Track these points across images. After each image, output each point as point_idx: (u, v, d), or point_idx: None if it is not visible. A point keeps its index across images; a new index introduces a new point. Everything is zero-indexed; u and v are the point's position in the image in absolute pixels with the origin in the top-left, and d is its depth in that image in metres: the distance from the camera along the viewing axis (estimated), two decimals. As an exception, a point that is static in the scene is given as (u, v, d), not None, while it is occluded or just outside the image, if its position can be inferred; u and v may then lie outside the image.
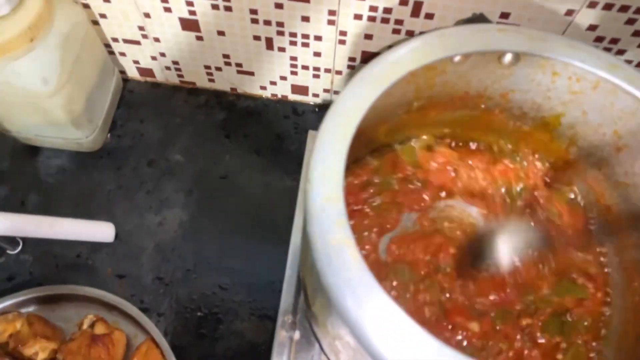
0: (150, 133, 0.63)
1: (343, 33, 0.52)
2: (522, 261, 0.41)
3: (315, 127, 0.61)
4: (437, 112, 0.43)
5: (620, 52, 0.49)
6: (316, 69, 0.58)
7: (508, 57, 0.37)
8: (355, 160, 0.45)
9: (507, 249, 0.40)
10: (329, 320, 0.32)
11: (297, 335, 0.46)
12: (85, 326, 0.50)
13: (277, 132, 0.63)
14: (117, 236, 0.56)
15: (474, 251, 0.41)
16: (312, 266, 0.28)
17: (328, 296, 0.27)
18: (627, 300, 0.41)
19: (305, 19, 0.51)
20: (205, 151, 0.62)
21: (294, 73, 0.59)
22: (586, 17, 0.46)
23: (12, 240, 0.55)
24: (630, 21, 0.45)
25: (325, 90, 0.62)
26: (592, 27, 0.47)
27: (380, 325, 0.26)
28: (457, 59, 0.37)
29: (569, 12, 0.45)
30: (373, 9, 0.48)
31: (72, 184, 0.59)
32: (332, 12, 0.50)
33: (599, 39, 0.48)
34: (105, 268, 0.55)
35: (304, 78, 0.60)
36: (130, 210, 0.58)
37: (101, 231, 0.56)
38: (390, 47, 0.53)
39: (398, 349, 0.25)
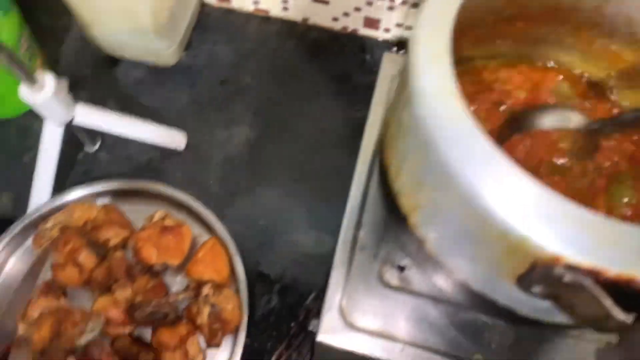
0: (223, 55, 0.64)
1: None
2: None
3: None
4: (525, 25, 0.42)
5: None
6: (392, 0, 0.59)
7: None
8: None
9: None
10: (422, 185, 0.31)
11: (361, 242, 0.46)
12: (155, 219, 0.53)
13: (344, 66, 0.64)
14: (187, 146, 0.59)
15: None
16: (410, 128, 0.29)
17: (432, 152, 0.27)
18: None
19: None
20: (274, 77, 0.63)
21: (369, 3, 0.60)
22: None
23: (92, 137, 0.58)
24: None
25: (398, 25, 0.62)
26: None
27: (493, 177, 0.25)
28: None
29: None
30: None
31: (148, 96, 0.62)
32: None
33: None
34: (175, 173, 0.57)
35: (378, 10, 0.61)
36: (200, 124, 0.60)
37: (173, 137, 0.58)
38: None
39: (513, 202, 0.25)
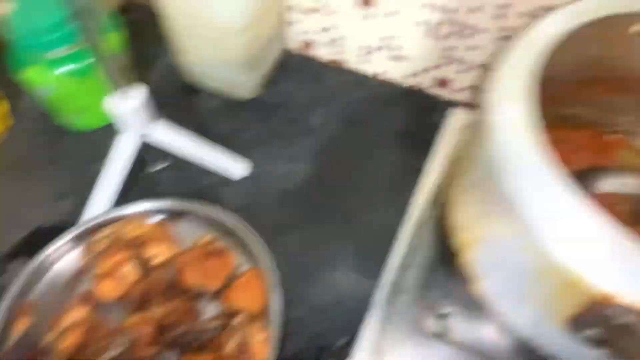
0: (297, 97, 0.65)
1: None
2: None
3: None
4: (601, 90, 0.40)
5: None
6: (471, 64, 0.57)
7: None
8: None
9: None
10: (484, 217, 0.29)
11: (403, 285, 0.42)
12: (202, 242, 0.51)
13: (410, 122, 0.62)
14: (248, 176, 0.58)
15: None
16: (482, 156, 0.26)
17: (501, 183, 0.25)
18: None
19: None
20: (341, 124, 0.63)
21: (448, 64, 0.59)
22: None
23: (159, 156, 0.59)
24: None
25: (467, 88, 0.60)
26: None
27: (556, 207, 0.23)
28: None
29: None
30: None
31: (220, 125, 0.63)
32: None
33: None
34: (232, 200, 0.57)
35: (448, 72, 0.59)
36: (263, 156, 0.60)
37: (236, 165, 0.58)
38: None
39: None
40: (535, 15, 0.48)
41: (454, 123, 0.50)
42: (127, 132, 0.53)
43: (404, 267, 0.39)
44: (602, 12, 0.32)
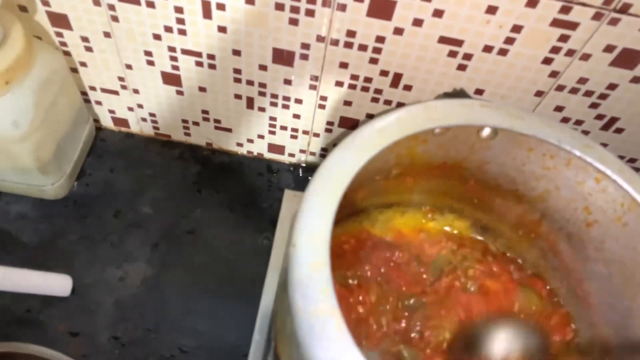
0: (120, 183, 0.59)
1: (323, 98, 0.52)
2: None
3: (289, 186, 0.60)
4: (414, 180, 0.43)
5: (585, 132, 0.51)
6: (294, 130, 0.57)
7: (487, 131, 0.38)
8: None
9: (504, 346, 0.38)
10: None
11: None
12: (27, 390, 0.44)
13: (250, 189, 0.61)
14: (73, 290, 0.52)
15: (468, 340, 0.39)
16: (293, 336, 0.25)
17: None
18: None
19: (288, 82, 0.51)
20: (175, 204, 0.59)
21: (272, 132, 0.58)
22: (554, 99, 0.47)
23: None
24: (594, 105, 0.47)
25: (302, 151, 0.61)
26: (558, 108, 0.48)
27: None
28: (438, 130, 0.37)
29: (539, 93, 0.47)
30: (354, 77, 0.49)
31: (31, 232, 0.55)
32: (314, 78, 0.50)
33: (565, 120, 0.49)
34: (57, 324, 0.50)
35: (281, 138, 0.59)
36: (90, 263, 0.54)
37: (57, 284, 0.51)
38: (370, 115, 0.53)
39: None
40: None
41: (288, 207, 0.50)
42: None
43: None
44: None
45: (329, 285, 0.25)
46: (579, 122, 0.49)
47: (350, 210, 0.45)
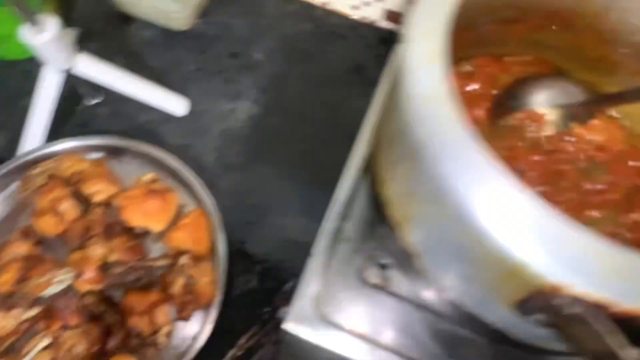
0: (237, 28, 0.60)
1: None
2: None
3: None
4: (525, 28, 0.38)
5: None
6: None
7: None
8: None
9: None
10: (412, 196, 0.28)
11: (345, 234, 0.41)
12: (143, 181, 0.49)
13: (360, 56, 0.59)
14: (187, 113, 0.55)
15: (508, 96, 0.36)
16: (402, 130, 0.25)
17: (421, 163, 0.23)
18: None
19: None
20: (286, 57, 0.59)
21: (391, -4, 0.56)
22: None
23: (94, 90, 0.53)
24: None
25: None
26: None
27: (488, 193, 0.21)
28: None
29: None
30: None
31: (156, 57, 0.57)
32: None
33: None
34: (171, 139, 0.53)
35: (399, 3, 0.56)
36: (204, 93, 0.56)
37: (175, 102, 0.54)
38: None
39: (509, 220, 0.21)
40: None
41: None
42: (48, 65, 0.47)
43: (345, 217, 0.38)
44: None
45: (443, 73, 0.23)
46: None
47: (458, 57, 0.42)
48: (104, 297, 0.43)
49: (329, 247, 0.37)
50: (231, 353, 0.43)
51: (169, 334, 0.43)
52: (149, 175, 0.49)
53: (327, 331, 0.34)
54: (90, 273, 0.43)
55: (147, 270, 0.44)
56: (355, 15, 0.61)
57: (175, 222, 0.47)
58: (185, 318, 0.42)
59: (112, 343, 0.41)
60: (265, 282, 0.47)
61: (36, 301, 0.42)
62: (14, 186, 0.50)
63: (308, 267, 0.36)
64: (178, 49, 0.58)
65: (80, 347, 0.40)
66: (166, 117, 0.54)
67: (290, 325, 0.34)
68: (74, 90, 0.52)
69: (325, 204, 0.49)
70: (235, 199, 0.50)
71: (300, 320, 0.34)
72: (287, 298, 0.44)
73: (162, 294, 0.43)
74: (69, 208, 0.46)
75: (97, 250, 0.43)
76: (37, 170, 0.49)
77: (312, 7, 0.62)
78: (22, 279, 0.43)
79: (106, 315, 0.41)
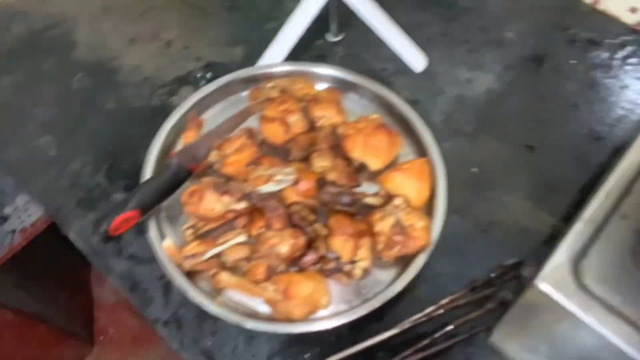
0: (493, 5, 0.57)
1: None
2: None
3: None
4: None
5: None
6: None
7: None
8: None
9: None
10: None
11: (623, 210, 0.32)
12: (371, 118, 0.46)
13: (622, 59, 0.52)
14: (423, 71, 0.52)
15: None
16: None
17: None
18: None
19: None
20: (539, 44, 0.53)
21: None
22: None
23: (340, 27, 0.53)
24: None
25: None
26: None
27: None
28: None
29: None
30: None
31: (406, 14, 0.55)
32: None
33: None
34: (401, 90, 0.51)
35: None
36: (445, 57, 0.53)
37: (416, 57, 0.52)
38: None
39: None
40: None
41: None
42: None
43: (627, 192, 0.31)
44: None
45: None
46: None
47: None
48: (313, 210, 0.40)
49: (601, 218, 0.30)
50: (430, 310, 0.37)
51: (365, 270, 0.38)
52: (376, 115, 0.46)
53: (590, 303, 0.27)
54: (306, 184, 0.41)
55: (357, 202, 0.41)
56: (632, 19, 0.54)
57: (393, 165, 0.43)
58: (389, 257, 0.38)
59: (309, 258, 0.39)
60: (479, 253, 0.41)
61: (247, 196, 0.41)
62: (244, 94, 0.51)
63: (574, 231, 0.30)
64: (429, 11, 0.56)
65: (284, 248, 0.37)
66: (401, 70, 0.52)
67: (544, 285, 0.28)
68: (319, 24, 0.52)
69: (563, 200, 0.42)
70: (459, 164, 0.45)
71: (557, 284, 0.28)
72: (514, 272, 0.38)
73: (368, 228, 0.39)
74: (298, 121, 0.45)
75: (321, 163, 0.41)
76: (270, 83, 0.49)
77: (572, 5, 0.56)
78: (242, 172, 0.42)
79: (315, 227, 0.39)
